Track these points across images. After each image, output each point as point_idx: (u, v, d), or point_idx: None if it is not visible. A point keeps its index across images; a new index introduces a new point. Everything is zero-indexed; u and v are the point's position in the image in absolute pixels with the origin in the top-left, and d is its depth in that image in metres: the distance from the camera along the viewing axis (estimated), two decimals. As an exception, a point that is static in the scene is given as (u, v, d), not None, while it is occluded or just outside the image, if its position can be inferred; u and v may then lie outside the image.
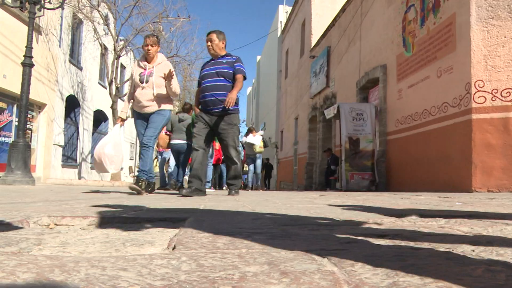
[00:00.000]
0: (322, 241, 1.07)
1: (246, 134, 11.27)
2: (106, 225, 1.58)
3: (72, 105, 14.40)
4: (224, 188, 11.05)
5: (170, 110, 4.88)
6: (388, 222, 1.57)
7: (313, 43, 15.86)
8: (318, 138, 14.35)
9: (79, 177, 15.11)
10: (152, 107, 4.73)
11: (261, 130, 11.27)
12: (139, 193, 4.26)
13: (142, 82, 4.71)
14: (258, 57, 35.44)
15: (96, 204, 2.51)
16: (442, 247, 0.97)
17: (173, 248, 0.97)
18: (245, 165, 12.57)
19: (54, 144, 12.75)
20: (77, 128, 15.23)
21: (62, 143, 13.65)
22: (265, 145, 11.05)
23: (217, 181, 11.75)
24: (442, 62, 6.69)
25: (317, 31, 15.82)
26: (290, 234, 1.22)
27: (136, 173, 4.66)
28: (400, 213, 2.00)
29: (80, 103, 15.09)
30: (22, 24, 10.07)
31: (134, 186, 4.31)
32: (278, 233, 1.24)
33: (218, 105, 4.40)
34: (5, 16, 9.85)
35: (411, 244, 1.03)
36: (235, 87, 4.45)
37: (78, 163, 15.46)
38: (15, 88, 9.08)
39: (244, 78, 4.57)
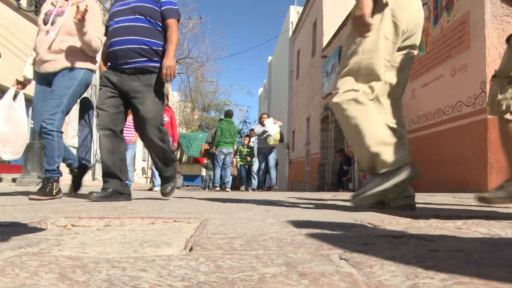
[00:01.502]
0: (339, 242, 1.07)
1: (260, 121, 9.92)
2: (123, 226, 1.60)
3: (86, 107, 14.58)
4: (241, 188, 10.78)
5: (90, 70, 3.32)
6: (404, 223, 1.56)
7: (324, 43, 15.80)
8: (330, 139, 14.30)
9: (93, 178, 15.29)
10: (56, 62, 3.16)
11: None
12: (49, 196, 3.00)
13: (45, 24, 3.22)
14: (270, 58, 35.44)
15: (111, 205, 2.54)
16: (460, 249, 0.96)
17: (190, 249, 0.98)
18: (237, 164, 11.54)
19: (68, 146, 12.92)
20: (91, 130, 15.41)
21: (77, 145, 13.84)
22: (281, 139, 9.72)
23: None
24: (456, 61, 6.61)
25: (328, 31, 15.76)
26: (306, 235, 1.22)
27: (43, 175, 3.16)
28: (415, 214, 1.98)
29: (94, 105, 15.27)
30: (37, 28, 10.24)
31: (37, 196, 2.91)
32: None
33: (132, 57, 3.08)
34: (21, 20, 10.03)
35: (429, 245, 1.02)
36: (170, 43, 3.18)
37: (92, 164, 15.64)
38: (31, 91, 9.23)
39: (178, 20, 3.28)
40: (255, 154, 10.72)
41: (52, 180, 3.07)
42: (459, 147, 6.35)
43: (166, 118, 7.07)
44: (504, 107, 2.49)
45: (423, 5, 2.59)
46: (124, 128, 7.93)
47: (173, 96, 29.51)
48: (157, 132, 3.26)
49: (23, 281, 0.63)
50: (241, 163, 11.04)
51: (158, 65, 3.18)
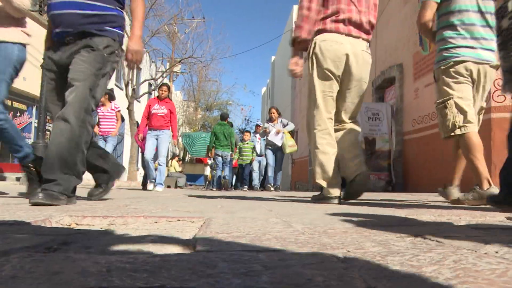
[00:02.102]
0: (338, 242, 1.07)
1: (270, 116, 9.08)
2: (126, 225, 1.60)
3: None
4: (244, 188, 10.13)
5: (20, 45, 2.91)
6: (407, 223, 1.56)
7: (328, 43, 15.75)
8: (333, 138, 14.26)
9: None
10: None
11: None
12: None
13: None
14: (273, 58, 35.41)
15: (115, 204, 2.55)
16: (464, 248, 0.96)
17: (194, 248, 0.99)
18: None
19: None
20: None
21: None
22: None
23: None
24: (460, 61, 6.58)
25: (332, 30, 15.70)
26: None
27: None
28: (418, 214, 1.98)
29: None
30: (41, 27, 10.27)
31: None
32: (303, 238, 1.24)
33: (78, 23, 2.44)
34: (24, 20, 10.06)
35: (432, 244, 1.02)
36: (135, 19, 2.72)
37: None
38: (35, 90, 9.27)
39: None
40: (258, 152, 10.24)
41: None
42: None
43: (164, 110, 6.91)
44: (450, 127, 2.88)
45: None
46: (102, 120, 7.22)
47: (176, 95, 29.54)
48: (81, 112, 2.35)
49: (30, 280, 0.63)
50: (240, 161, 10.55)
51: (108, 32, 2.53)
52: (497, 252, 0.91)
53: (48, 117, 11.29)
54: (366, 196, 4.74)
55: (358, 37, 2.94)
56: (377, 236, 1.19)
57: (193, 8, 30.53)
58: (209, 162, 19.36)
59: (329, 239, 1.13)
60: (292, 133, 8.81)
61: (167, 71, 20.03)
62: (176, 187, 14.60)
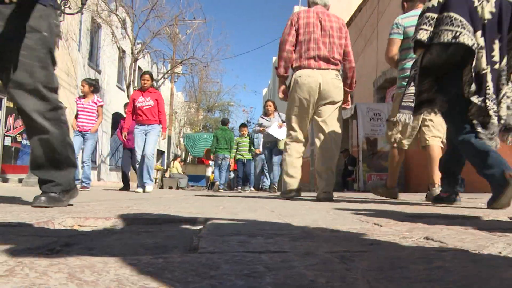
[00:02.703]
0: (343, 243, 1.07)
1: (265, 110, 8.63)
2: (129, 226, 1.60)
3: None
4: (246, 189, 10.02)
5: None
6: (410, 224, 1.56)
7: (329, 43, 15.77)
8: (335, 139, 14.26)
9: (98, 179, 15.36)
10: None
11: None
12: None
13: None
14: (274, 58, 35.43)
15: (117, 205, 2.55)
16: (467, 249, 0.95)
17: (196, 250, 0.99)
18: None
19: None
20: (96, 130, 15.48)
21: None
22: None
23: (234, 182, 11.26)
24: (462, 61, 6.58)
25: (333, 31, 15.72)
26: (312, 235, 1.22)
27: None
28: (421, 215, 1.98)
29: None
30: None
31: None
32: (299, 234, 1.24)
33: None
34: (26, 22, 10.09)
35: (435, 245, 1.02)
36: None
37: (97, 164, 15.71)
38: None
39: None
40: (256, 147, 9.76)
41: None
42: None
43: (150, 102, 6.27)
44: (392, 140, 3.84)
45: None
46: (81, 113, 6.48)
47: (178, 96, 29.58)
48: (39, 102, 2.11)
49: (32, 280, 0.64)
50: (238, 156, 9.97)
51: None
52: (500, 253, 0.91)
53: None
54: (368, 196, 4.74)
55: (327, 69, 3.64)
56: (380, 237, 1.19)
57: (194, 8, 30.51)
58: (211, 163, 19.39)
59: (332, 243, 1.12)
60: None
61: (168, 72, 20.06)
62: (177, 188, 14.61)
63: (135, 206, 2.48)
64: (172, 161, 17.62)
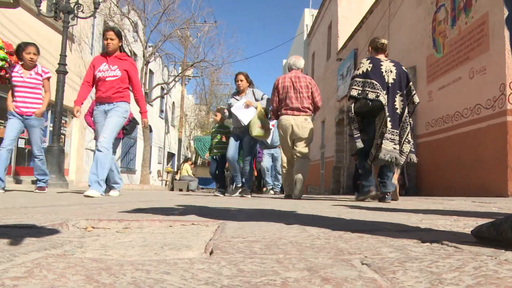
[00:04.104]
0: (359, 247, 1.07)
1: (238, 93, 6.13)
2: (141, 228, 1.61)
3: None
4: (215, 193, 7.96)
5: None
6: (424, 227, 1.54)
7: (339, 46, 15.72)
8: (345, 142, 14.20)
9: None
10: None
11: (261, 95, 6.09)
12: None
13: None
14: (284, 61, 35.41)
15: (129, 207, 2.57)
16: (484, 254, 0.94)
17: (211, 253, 0.99)
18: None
19: (86, 149, 13.12)
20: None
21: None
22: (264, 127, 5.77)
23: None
24: (475, 63, 6.51)
25: (343, 33, 15.68)
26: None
27: None
28: (434, 219, 1.96)
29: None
30: (56, 33, 10.45)
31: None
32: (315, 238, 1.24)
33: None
34: (40, 26, 10.24)
35: (450, 250, 1.01)
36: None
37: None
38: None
39: None
40: (269, 142, 8.48)
41: None
42: (478, 151, 6.25)
43: (117, 72, 4.55)
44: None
45: (440, 6, 2.77)
46: (20, 90, 4.91)
47: (188, 99, 29.72)
48: None
49: (51, 282, 0.64)
50: (214, 151, 7.32)
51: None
52: (517, 259, 0.89)
53: (62, 122, 11.46)
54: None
55: (298, 115, 5.26)
56: (393, 241, 1.18)
57: (205, 12, 30.74)
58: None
59: (345, 244, 1.12)
60: (267, 112, 5.98)
61: (179, 75, 20.17)
62: (188, 190, 14.66)
63: (147, 209, 2.49)
64: (182, 163, 17.69)
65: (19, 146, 10.45)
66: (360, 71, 4.10)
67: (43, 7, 10.27)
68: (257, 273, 0.73)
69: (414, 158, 4.16)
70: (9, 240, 1.08)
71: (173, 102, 26.24)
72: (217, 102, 32.42)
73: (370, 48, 4.37)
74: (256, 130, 5.65)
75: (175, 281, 0.67)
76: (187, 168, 16.76)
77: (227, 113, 6.41)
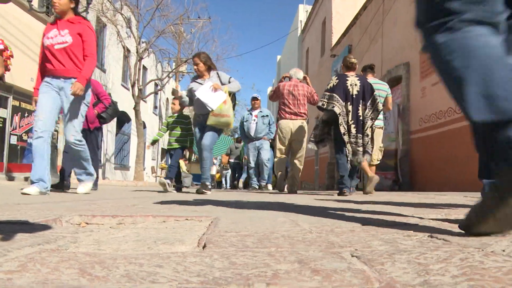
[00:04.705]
0: (350, 240, 1.08)
1: (199, 76, 5.36)
2: (135, 223, 1.62)
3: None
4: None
5: None
6: (414, 222, 1.56)
7: (334, 42, 15.75)
8: (339, 138, 14.22)
9: (103, 177, 15.43)
10: None
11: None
12: None
13: None
14: (278, 57, 35.40)
15: (123, 203, 2.58)
16: (471, 246, 0.96)
17: (204, 247, 1.00)
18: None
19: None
20: (101, 129, 15.53)
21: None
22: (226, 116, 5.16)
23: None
24: (467, 59, 6.55)
25: (338, 29, 15.70)
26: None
27: None
28: (425, 213, 1.98)
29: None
30: (48, 28, 10.36)
31: None
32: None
33: None
34: (32, 21, 10.15)
35: (439, 243, 1.03)
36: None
37: (102, 163, 15.78)
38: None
39: None
40: (252, 134, 7.99)
41: None
42: (471, 146, 6.29)
43: (66, 38, 3.76)
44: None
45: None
46: None
47: (183, 96, 29.58)
48: None
49: (45, 276, 0.65)
50: (174, 144, 6.22)
51: None
52: (503, 251, 0.91)
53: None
54: (371, 195, 4.73)
55: (296, 119, 5.90)
56: (384, 234, 1.20)
57: (199, 8, 30.48)
58: (215, 162, 19.40)
59: (337, 237, 1.14)
60: (235, 98, 5.54)
61: (173, 71, 20.10)
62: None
63: (141, 204, 2.50)
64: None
65: (11, 143, 10.38)
66: (328, 87, 4.88)
67: (35, 2, 10.19)
68: (248, 266, 0.75)
69: (367, 158, 4.84)
70: (2, 236, 1.08)
71: (167, 98, 26.14)
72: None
73: (342, 65, 5.20)
74: (210, 119, 5.00)
75: (167, 273, 0.68)
76: (181, 165, 16.73)
77: (186, 99, 5.50)
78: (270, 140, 8.22)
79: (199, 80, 5.33)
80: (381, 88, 5.50)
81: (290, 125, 5.83)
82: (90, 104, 4.25)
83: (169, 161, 6.43)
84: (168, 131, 6.38)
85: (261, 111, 8.18)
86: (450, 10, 1.20)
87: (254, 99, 8.37)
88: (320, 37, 18.36)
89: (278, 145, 6.02)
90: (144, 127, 18.49)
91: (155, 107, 23.52)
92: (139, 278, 0.64)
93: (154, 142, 6.77)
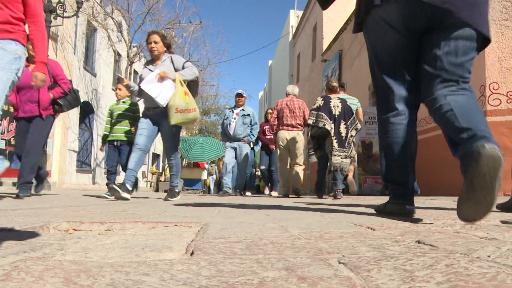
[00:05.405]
0: (338, 246, 1.09)
1: (153, 61, 4.50)
2: (124, 230, 1.61)
3: (86, 111, 14.62)
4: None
5: None
6: (403, 227, 1.58)
7: (324, 47, 15.85)
8: (330, 142, 14.29)
9: (93, 182, 15.30)
10: None
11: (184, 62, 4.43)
12: None
13: None
14: (270, 62, 35.51)
15: (112, 209, 2.56)
16: (457, 252, 0.97)
17: (192, 254, 1.00)
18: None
19: (69, 150, 12.95)
20: (91, 133, 15.44)
21: (77, 149, 13.85)
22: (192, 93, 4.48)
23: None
24: (456, 65, 6.64)
25: (328, 35, 15.82)
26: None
27: None
28: (414, 219, 2.00)
29: (95, 109, 15.31)
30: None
31: None
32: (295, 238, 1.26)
33: None
34: (22, 25, 10.06)
35: (426, 249, 1.04)
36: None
37: (92, 168, 15.66)
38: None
39: None
40: (231, 133, 7.44)
41: None
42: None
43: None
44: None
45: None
46: None
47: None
48: None
49: (29, 285, 0.65)
50: (117, 134, 5.42)
51: None
52: (489, 256, 0.92)
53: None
54: (362, 200, 4.76)
55: (292, 130, 6.67)
56: (372, 240, 1.20)
57: (190, 12, 30.57)
58: (207, 166, 19.33)
59: (325, 243, 1.14)
60: (196, 87, 4.59)
61: (165, 75, 20.02)
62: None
63: (131, 210, 2.48)
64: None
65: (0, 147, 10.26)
66: (315, 106, 5.63)
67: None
68: (235, 273, 0.74)
69: (348, 168, 5.71)
70: (-12, 243, 1.07)
71: (158, 103, 26.03)
72: (203, 103, 32.34)
73: (326, 88, 6.03)
74: (174, 117, 4.17)
75: (153, 281, 0.67)
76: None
77: (136, 87, 4.50)
78: (254, 144, 8.13)
79: (150, 66, 4.45)
80: (352, 102, 6.40)
81: (286, 135, 6.64)
82: (44, 86, 3.72)
83: (114, 158, 5.32)
84: (113, 122, 5.41)
85: (243, 109, 7.54)
86: (383, 108, 2.28)
87: (239, 95, 7.64)
88: (311, 42, 18.47)
89: (279, 152, 6.90)
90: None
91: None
92: (124, 286, 0.64)
93: (104, 139, 5.63)
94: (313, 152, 5.89)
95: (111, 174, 5.31)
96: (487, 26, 1.96)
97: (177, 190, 4.67)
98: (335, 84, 5.97)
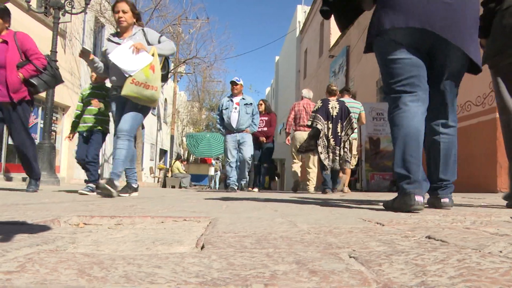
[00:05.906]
0: (348, 241, 1.09)
1: (114, 36, 4.11)
2: (134, 224, 1.62)
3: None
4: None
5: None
6: (412, 223, 1.57)
7: (332, 43, 15.77)
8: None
9: (102, 178, 15.38)
10: None
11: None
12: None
13: None
14: (277, 58, 35.40)
15: (121, 204, 2.58)
16: (468, 247, 0.97)
17: (202, 247, 1.00)
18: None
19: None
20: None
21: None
22: (164, 78, 4.08)
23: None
24: (465, 60, 6.58)
25: (336, 30, 15.71)
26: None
27: None
28: (423, 214, 1.99)
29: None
30: (46, 29, 10.35)
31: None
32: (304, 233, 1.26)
33: None
34: (30, 22, 10.14)
35: (437, 244, 1.03)
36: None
37: (101, 164, 15.75)
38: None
39: None
40: (234, 126, 6.85)
41: None
42: (468, 147, 6.32)
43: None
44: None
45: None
46: None
47: (181, 96, 29.62)
48: None
49: (44, 276, 0.65)
50: (88, 124, 4.81)
51: None
52: (501, 252, 0.92)
53: (53, 118, 11.37)
54: (372, 195, 4.75)
55: (308, 130, 6.48)
56: (382, 235, 1.20)
57: (197, 8, 30.49)
58: (213, 162, 19.40)
59: (335, 238, 1.14)
60: (168, 66, 4.23)
61: (171, 71, 20.09)
62: (180, 187, 14.67)
63: (139, 205, 2.50)
64: (173, 161, 17.69)
65: (9, 143, 10.37)
66: (315, 108, 6.24)
67: (33, 2, 10.17)
68: (246, 266, 0.75)
69: (345, 165, 6.27)
70: (1, 237, 1.08)
71: (165, 99, 26.14)
72: (210, 99, 32.39)
73: (326, 91, 6.47)
74: (127, 88, 3.61)
75: (166, 274, 0.68)
76: (178, 166, 16.76)
77: (100, 64, 3.97)
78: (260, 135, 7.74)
79: (116, 39, 3.92)
80: (355, 106, 6.67)
81: (303, 134, 6.91)
82: (11, 65, 3.31)
83: (84, 151, 4.63)
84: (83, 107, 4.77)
85: (243, 98, 6.92)
86: (397, 90, 2.28)
87: (233, 83, 7.00)
88: (319, 37, 18.39)
89: (293, 152, 7.32)
90: (143, 127, 18.47)
91: (154, 108, 23.51)
92: (137, 278, 0.64)
93: (74, 127, 4.97)
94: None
95: (91, 166, 4.49)
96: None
97: (116, 181, 3.61)
98: (335, 88, 6.48)
